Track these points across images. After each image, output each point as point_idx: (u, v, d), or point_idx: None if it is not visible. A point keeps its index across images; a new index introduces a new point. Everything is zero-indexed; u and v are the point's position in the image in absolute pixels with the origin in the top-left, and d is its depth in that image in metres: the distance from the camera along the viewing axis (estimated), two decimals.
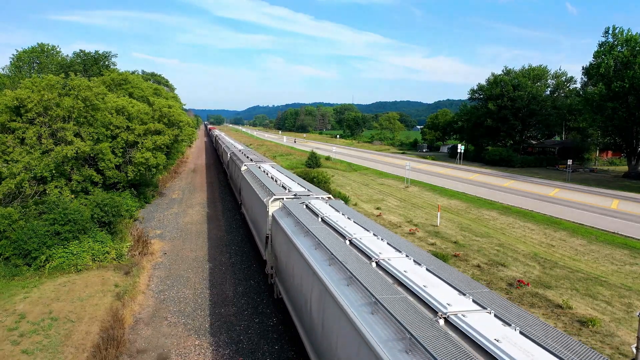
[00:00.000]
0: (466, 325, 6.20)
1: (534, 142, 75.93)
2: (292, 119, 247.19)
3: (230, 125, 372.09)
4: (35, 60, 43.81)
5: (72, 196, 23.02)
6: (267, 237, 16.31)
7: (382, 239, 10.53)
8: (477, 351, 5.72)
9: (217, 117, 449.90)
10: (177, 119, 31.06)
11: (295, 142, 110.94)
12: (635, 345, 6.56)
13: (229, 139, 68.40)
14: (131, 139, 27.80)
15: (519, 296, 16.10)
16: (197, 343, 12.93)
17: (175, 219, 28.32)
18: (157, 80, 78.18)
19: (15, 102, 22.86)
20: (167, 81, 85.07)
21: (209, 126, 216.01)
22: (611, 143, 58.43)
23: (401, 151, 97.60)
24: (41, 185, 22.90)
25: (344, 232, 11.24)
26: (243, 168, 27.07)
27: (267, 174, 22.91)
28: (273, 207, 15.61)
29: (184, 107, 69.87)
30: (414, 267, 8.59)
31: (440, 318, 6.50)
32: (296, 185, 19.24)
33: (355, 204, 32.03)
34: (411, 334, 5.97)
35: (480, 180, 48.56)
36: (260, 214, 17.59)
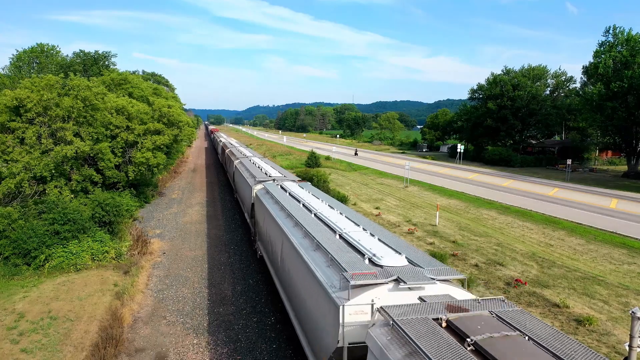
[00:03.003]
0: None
1: (533, 142, 75.96)
2: (292, 118, 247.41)
3: (231, 125, 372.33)
4: (35, 60, 43.88)
5: (72, 196, 23.10)
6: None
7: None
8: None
9: (218, 117, 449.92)
10: (176, 118, 31.11)
11: (356, 154, 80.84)
12: (628, 343, 6.62)
13: (260, 161, 29.64)
14: (131, 138, 27.87)
15: (517, 295, 16.15)
16: (195, 342, 13.00)
17: (174, 219, 28.39)
18: (157, 80, 78.17)
19: (14, 102, 22.93)
20: (167, 81, 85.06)
21: (210, 127, 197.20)
22: (611, 143, 58.47)
23: (401, 151, 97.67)
24: (41, 185, 22.97)
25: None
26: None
27: None
28: None
29: (184, 107, 69.84)
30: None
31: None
32: None
33: (355, 204, 32.08)
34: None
35: (480, 180, 48.60)
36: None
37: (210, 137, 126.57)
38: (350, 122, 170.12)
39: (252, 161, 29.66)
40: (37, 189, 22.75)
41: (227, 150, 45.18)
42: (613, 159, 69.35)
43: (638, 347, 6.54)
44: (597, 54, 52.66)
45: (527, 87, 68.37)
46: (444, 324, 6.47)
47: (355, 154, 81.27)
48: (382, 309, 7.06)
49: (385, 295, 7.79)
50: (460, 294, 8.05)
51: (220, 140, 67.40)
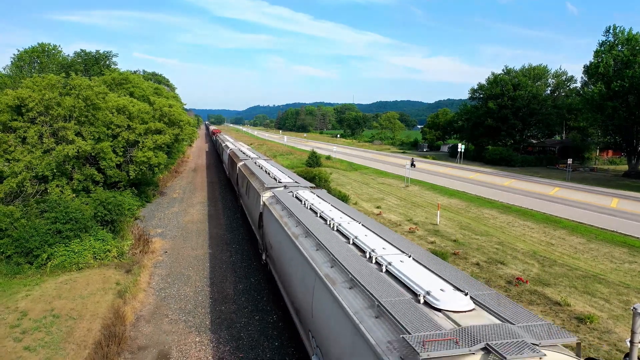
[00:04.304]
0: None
1: (534, 142, 75.99)
2: (292, 118, 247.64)
3: (231, 125, 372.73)
4: (36, 60, 43.94)
5: (73, 195, 23.14)
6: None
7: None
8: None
9: (218, 117, 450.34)
10: (177, 118, 31.18)
11: (413, 165, 55.78)
12: (629, 339, 6.65)
13: (328, 207, 13.93)
14: (132, 138, 27.91)
15: (518, 294, 16.18)
16: (197, 340, 13.04)
17: (175, 218, 28.43)
18: (158, 80, 78.33)
19: (16, 101, 22.99)
20: (167, 81, 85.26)
21: (211, 127, 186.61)
22: (611, 142, 58.50)
23: (401, 151, 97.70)
24: (42, 184, 23.03)
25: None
26: None
27: None
28: None
29: (185, 107, 69.86)
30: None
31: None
32: None
33: (356, 203, 32.11)
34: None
35: (481, 179, 48.63)
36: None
37: (211, 139, 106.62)
38: (350, 121, 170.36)
39: (307, 204, 14.26)
40: (38, 188, 22.81)
41: (239, 164, 28.45)
42: (614, 158, 69.38)
43: (639, 343, 6.58)
44: (597, 54, 52.71)
45: (528, 86, 68.43)
46: None
47: (412, 165, 55.87)
48: None
49: None
50: None
51: (227, 146, 47.17)
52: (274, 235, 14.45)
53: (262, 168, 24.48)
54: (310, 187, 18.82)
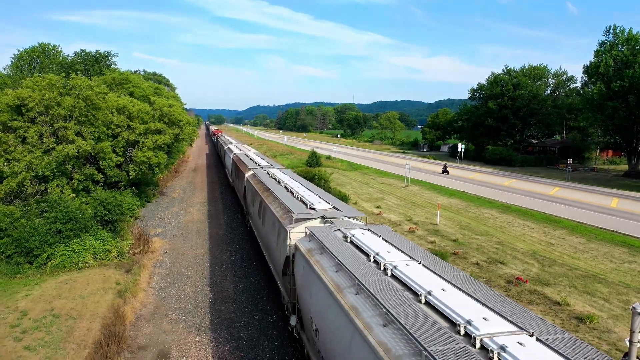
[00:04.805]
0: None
1: (534, 142, 76.00)
2: (292, 118, 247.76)
3: (231, 125, 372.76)
4: (36, 60, 43.91)
5: (73, 195, 23.15)
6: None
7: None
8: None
9: (218, 117, 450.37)
10: (177, 118, 31.19)
11: (445, 171, 51.90)
12: (628, 338, 6.66)
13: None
14: (132, 138, 27.93)
15: (518, 293, 16.19)
16: (197, 339, 13.05)
17: (175, 218, 28.44)
18: (158, 80, 78.35)
19: (16, 101, 23.01)
20: (167, 81, 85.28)
21: (211, 127, 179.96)
22: (611, 142, 58.56)
23: (402, 150, 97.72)
24: (42, 184, 23.04)
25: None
26: None
27: None
28: None
29: (185, 107, 69.71)
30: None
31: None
32: None
33: (356, 203, 32.13)
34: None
35: (481, 179, 48.63)
36: None
37: (212, 140, 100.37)
38: (350, 121, 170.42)
39: (384, 265, 8.52)
40: (38, 188, 22.82)
41: (247, 175, 24.05)
42: (614, 158, 69.41)
43: (638, 342, 6.58)
44: (597, 54, 52.74)
45: (528, 86, 68.45)
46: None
47: (445, 171, 51.95)
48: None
49: None
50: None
51: (229, 149, 41.65)
52: (327, 320, 8.59)
53: (279, 182, 19.08)
54: (359, 217, 13.30)
